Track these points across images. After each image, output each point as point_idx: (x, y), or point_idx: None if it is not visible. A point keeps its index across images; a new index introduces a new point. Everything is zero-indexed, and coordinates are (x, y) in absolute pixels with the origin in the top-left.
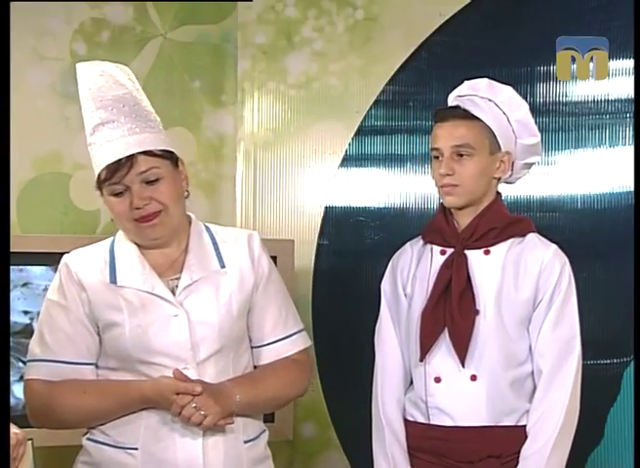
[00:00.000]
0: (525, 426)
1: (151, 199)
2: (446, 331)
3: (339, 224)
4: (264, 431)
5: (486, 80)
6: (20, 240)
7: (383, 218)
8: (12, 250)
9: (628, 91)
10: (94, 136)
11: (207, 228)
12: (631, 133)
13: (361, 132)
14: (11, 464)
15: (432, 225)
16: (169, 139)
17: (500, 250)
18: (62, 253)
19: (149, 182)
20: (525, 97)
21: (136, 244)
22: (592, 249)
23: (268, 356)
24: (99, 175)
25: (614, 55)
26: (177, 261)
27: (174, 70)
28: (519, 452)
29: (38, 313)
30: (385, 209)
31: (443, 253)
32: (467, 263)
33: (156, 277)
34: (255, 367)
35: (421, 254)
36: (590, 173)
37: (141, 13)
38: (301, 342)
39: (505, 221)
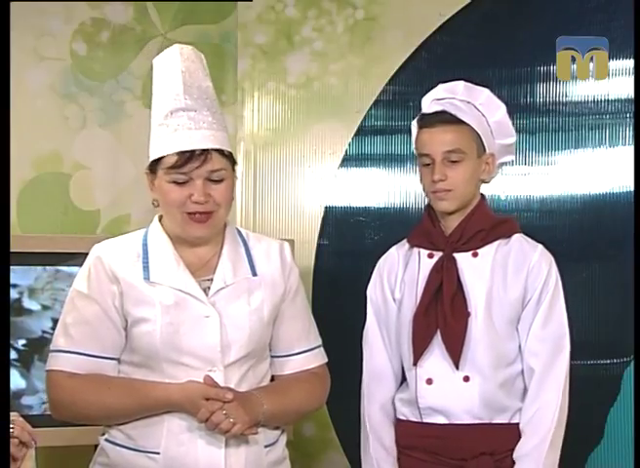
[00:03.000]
0: (517, 424)
1: (210, 197)
2: (437, 334)
3: (339, 224)
4: (282, 433)
5: (462, 82)
6: (20, 240)
7: (383, 218)
8: (12, 250)
9: (628, 91)
10: (170, 119)
11: (239, 232)
12: (631, 133)
13: (361, 132)
14: (12, 464)
15: (419, 229)
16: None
17: (487, 251)
18: (62, 254)
19: (212, 181)
20: (525, 98)
21: (170, 239)
22: (592, 249)
23: (293, 367)
24: (161, 159)
25: (614, 55)
26: (209, 262)
27: None
28: (512, 450)
29: (28, 287)
30: (385, 209)
31: (431, 256)
32: (457, 266)
33: (190, 276)
34: (273, 377)
35: (408, 258)
36: (590, 173)
37: (141, 13)
38: (322, 357)
39: (492, 223)
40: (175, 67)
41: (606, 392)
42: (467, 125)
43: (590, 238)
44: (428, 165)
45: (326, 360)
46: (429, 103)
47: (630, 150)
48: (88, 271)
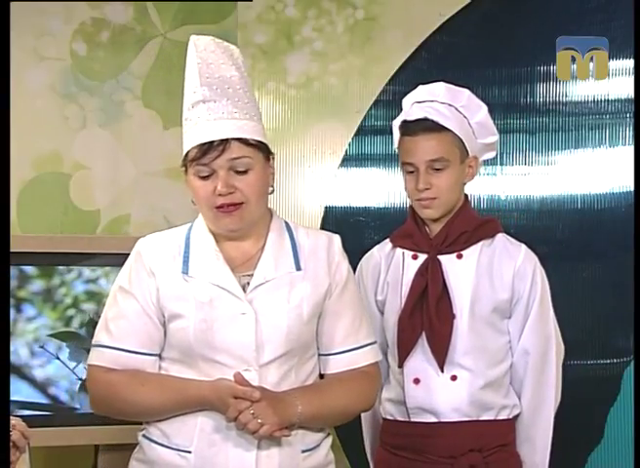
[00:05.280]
0: (504, 420)
1: (236, 189)
2: (423, 336)
3: (339, 224)
4: (327, 437)
5: (443, 84)
6: (20, 240)
7: (383, 218)
8: (12, 250)
9: (628, 91)
10: (191, 112)
11: (287, 225)
12: (631, 133)
13: (361, 132)
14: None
15: (403, 231)
16: (264, 132)
17: (471, 253)
18: (62, 254)
19: (238, 172)
20: (525, 98)
21: (212, 234)
22: (592, 249)
23: (337, 365)
24: (187, 154)
25: (614, 55)
26: (252, 258)
27: (174, 70)
28: (499, 446)
29: None
30: (385, 209)
31: (415, 257)
32: (442, 269)
33: (229, 271)
34: (322, 375)
35: (391, 260)
36: (590, 173)
37: (141, 13)
38: (373, 355)
39: (475, 224)
40: (191, 60)
41: (606, 392)
42: (450, 131)
43: (590, 238)
44: (412, 172)
45: (379, 358)
46: (410, 106)
47: (630, 150)
48: (129, 266)
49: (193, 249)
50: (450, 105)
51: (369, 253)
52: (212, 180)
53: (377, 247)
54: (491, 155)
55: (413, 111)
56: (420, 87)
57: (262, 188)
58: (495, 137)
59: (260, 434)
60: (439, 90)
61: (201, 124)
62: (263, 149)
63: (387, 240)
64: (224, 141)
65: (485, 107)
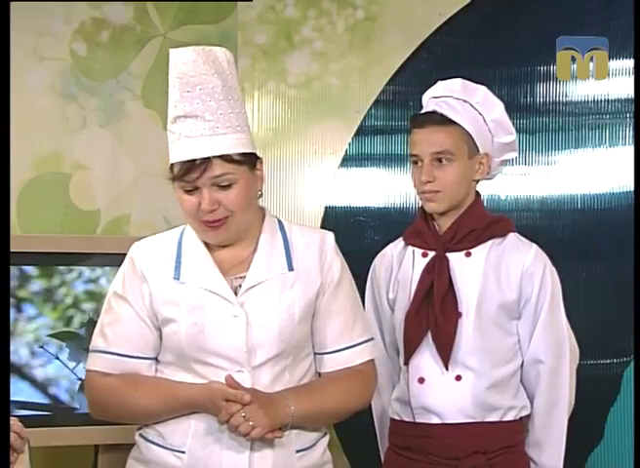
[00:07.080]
0: (509, 421)
1: (220, 204)
2: (429, 334)
3: (339, 224)
4: (324, 436)
5: (460, 80)
6: (20, 240)
7: (383, 218)
8: (12, 250)
9: (628, 91)
10: (174, 126)
11: (280, 225)
12: (631, 133)
13: (361, 132)
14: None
15: (413, 228)
16: (251, 139)
17: (480, 251)
18: (62, 254)
19: (222, 187)
20: (525, 97)
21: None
22: (592, 249)
23: (331, 364)
24: (171, 167)
25: (614, 55)
26: (245, 260)
27: None
28: (505, 448)
29: None
30: (385, 209)
31: (425, 255)
32: (449, 266)
33: (219, 275)
34: (319, 374)
35: (402, 258)
36: (590, 173)
37: (141, 13)
38: (368, 352)
39: (485, 222)
40: (172, 73)
41: (606, 392)
42: (458, 125)
43: (590, 238)
44: (418, 165)
45: (375, 354)
46: (426, 101)
47: (630, 150)
48: (123, 272)
49: (185, 253)
50: (465, 101)
51: (382, 251)
52: (196, 195)
53: (390, 245)
54: (511, 155)
55: (428, 105)
56: (439, 82)
57: (247, 199)
58: (512, 137)
59: (252, 436)
60: (455, 86)
61: (183, 140)
62: (248, 161)
63: (400, 238)
64: (206, 160)
65: (501, 105)
